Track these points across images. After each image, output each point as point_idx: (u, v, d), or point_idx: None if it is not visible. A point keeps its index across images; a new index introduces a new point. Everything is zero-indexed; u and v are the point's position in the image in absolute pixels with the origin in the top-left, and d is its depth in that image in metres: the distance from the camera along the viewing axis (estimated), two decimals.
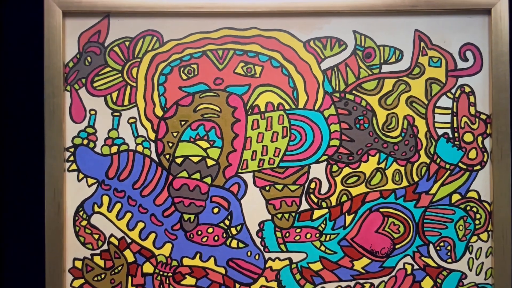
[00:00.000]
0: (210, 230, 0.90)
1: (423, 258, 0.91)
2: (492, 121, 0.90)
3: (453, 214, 0.90)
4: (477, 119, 0.91)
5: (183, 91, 0.90)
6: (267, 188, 0.90)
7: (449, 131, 0.91)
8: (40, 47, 0.89)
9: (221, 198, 0.89)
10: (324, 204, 0.90)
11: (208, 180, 0.89)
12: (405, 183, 0.90)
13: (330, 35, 0.90)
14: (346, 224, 0.90)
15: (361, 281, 0.90)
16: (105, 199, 0.89)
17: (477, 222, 0.91)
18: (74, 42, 0.90)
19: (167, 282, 0.89)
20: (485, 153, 0.91)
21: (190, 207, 0.89)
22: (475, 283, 0.91)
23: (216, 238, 0.90)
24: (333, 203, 0.90)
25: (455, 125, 0.91)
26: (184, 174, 0.89)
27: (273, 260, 0.90)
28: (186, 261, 0.90)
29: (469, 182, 0.91)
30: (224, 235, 0.90)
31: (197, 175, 0.89)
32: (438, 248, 0.91)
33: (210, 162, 0.89)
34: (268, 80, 0.90)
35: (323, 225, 0.90)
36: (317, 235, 0.90)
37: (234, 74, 0.90)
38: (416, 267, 0.91)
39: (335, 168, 0.90)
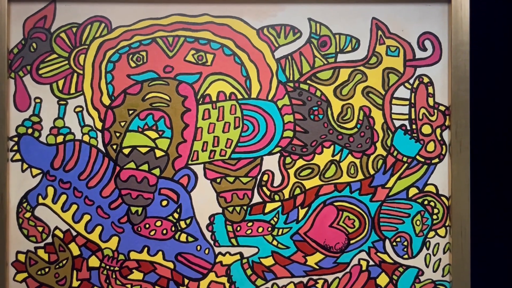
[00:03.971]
0: (159, 223, 0.86)
1: (378, 254, 0.88)
2: (451, 113, 0.87)
3: (410, 209, 0.88)
4: (435, 111, 0.88)
5: (132, 79, 0.87)
6: (218, 180, 0.87)
7: (406, 122, 0.88)
8: None
9: (170, 190, 0.86)
10: (276, 197, 0.87)
11: (156, 171, 0.86)
12: (360, 176, 0.87)
13: (284, 23, 0.87)
14: (299, 218, 0.87)
15: (315, 277, 0.87)
16: (50, 191, 0.86)
17: (434, 217, 0.88)
18: (19, 28, 0.86)
19: (114, 276, 0.86)
20: (444, 146, 0.88)
21: (138, 199, 0.86)
22: (432, 280, 0.88)
23: (164, 231, 0.87)
24: (286, 196, 0.87)
25: (413, 116, 0.88)
26: (132, 165, 0.86)
27: (224, 255, 0.87)
28: (133, 255, 0.87)
29: (427, 176, 0.88)
30: (173, 228, 0.87)
31: (145, 167, 0.86)
32: (394, 243, 0.88)
33: (158, 153, 0.86)
34: (220, 69, 0.87)
35: (275, 219, 0.87)
36: (269, 229, 0.87)
37: (185, 62, 0.87)
38: (371, 263, 0.88)
39: (288, 160, 0.87)
